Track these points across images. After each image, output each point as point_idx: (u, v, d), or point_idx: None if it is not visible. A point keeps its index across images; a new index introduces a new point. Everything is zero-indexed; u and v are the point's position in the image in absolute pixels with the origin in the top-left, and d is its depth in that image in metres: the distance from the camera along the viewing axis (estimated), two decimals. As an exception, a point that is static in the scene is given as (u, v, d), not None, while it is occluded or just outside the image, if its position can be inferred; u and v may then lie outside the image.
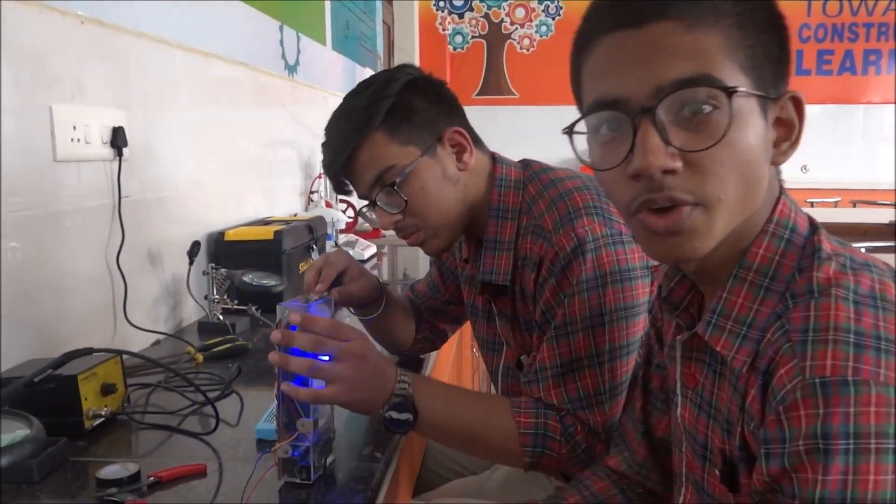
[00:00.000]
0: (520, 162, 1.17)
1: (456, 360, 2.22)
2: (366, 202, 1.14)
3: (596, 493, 0.90)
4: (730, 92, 0.60)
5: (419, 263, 2.67)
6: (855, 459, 0.53)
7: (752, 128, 0.62)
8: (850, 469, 0.53)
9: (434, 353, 1.48)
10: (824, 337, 0.57)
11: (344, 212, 2.71)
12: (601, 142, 0.67)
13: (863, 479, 0.53)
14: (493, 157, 1.16)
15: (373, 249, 2.60)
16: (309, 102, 2.75)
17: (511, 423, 1.01)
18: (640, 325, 1.01)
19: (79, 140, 1.26)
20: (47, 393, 0.99)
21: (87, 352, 1.00)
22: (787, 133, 0.66)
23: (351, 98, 1.11)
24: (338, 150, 1.09)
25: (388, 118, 1.06)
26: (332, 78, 3.09)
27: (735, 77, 0.61)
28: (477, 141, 1.15)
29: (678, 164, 0.61)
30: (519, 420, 1.01)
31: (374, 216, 1.15)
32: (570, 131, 0.69)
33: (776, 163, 0.67)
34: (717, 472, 0.70)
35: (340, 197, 2.81)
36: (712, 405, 0.72)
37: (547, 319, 1.04)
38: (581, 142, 0.70)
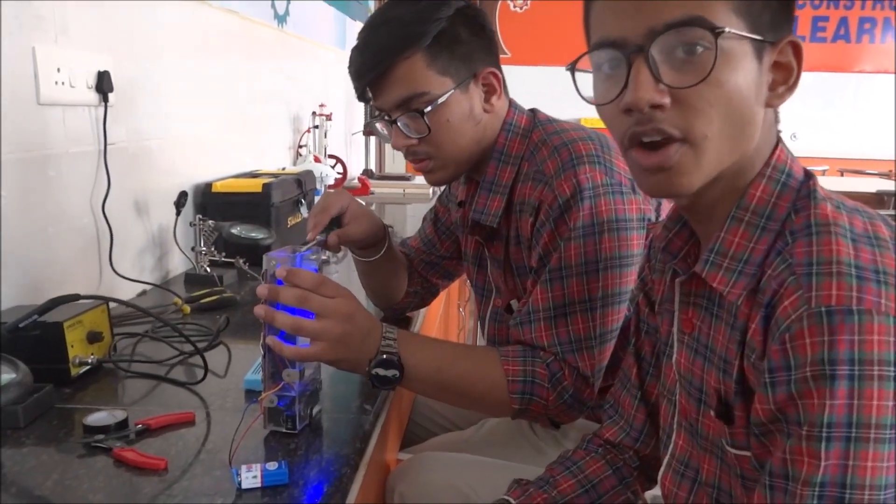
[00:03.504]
0: (529, 110, 1.16)
1: (443, 319, 2.23)
2: (380, 116, 1.10)
3: (590, 476, 0.90)
4: (717, 33, 0.62)
5: (406, 221, 2.66)
6: (859, 385, 0.56)
7: (742, 70, 0.64)
8: (855, 393, 0.56)
9: (422, 312, 1.48)
10: (828, 269, 0.59)
11: (333, 167, 2.68)
12: (602, 79, 0.70)
13: (867, 403, 0.55)
14: (510, 102, 1.16)
15: (361, 206, 2.58)
16: (298, 54, 2.70)
17: (499, 372, 1.01)
18: (633, 275, 1.02)
19: (63, 83, 1.23)
20: (33, 339, 0.99)
21: (74, 298, 0.99)
22: (784, 77, 0.68)
23: (396, 7, 1.06)
24: (374, 61, 1.04)
25: (433, 43, 1.03)
26: (321, 30, 3.02)
27: (727, 19, 0.63)
28: (505, 86, 1.14)
29: (666, 100, 0.64)
30: (507, 368, 1.02)
31: (384, 131, 1.13)
32: (572, 68, 0.72)
33: (771, 105, 0.69)
34: (711, 412, 0.72)
35: (330, 152, 2.78)
36: (708, 347, 0.74)
37: (543, 264, 1.04)
38: (585, 84, 0.72)
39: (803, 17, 5.59)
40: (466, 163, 1.12)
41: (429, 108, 1.04)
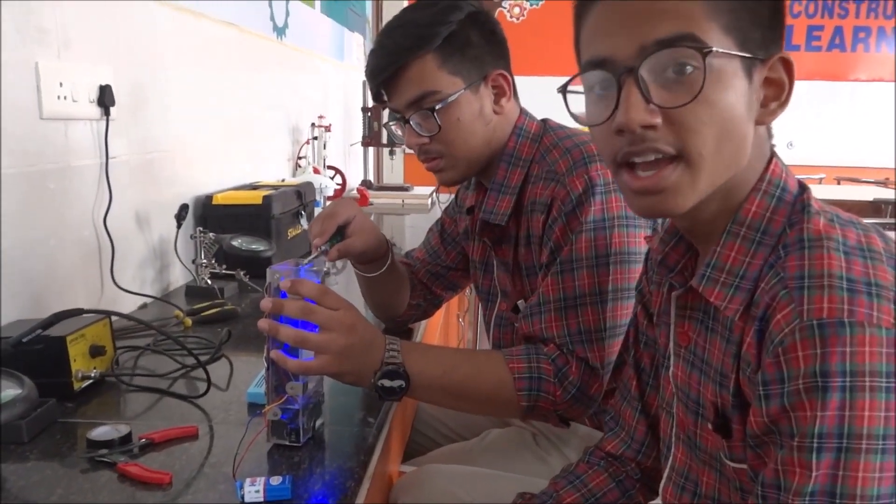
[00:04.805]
0: (541, 120, 1.20)
1: (443, 329, 2.23)
2: (395, 116, 1.15)
3: (593, 490, 0.91)
4: (705, 52, 0.63)
5: (405, 232, 2.67)
6: (851, 396, 0.56)
7: (733, 88, 0.65)
8: (847, 405, 0.56)
9: (423, 324, 1.48)
10: (819, 283, 0.60)
11: (332, 178, 2.69)
12: (593, 100, 0.70)
13: (858, 414, 0.56)
14: (521, 110, 1.19)
15: (361, 217, 2.58)
16: (297, 66, 2.71)
17: (504, 371, 1.02)
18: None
19: (65, 97, 1.24)
20: (35, 354, 0.98)
21: (77, 312, 0.99)
22: (776, 93, 0.69)
23: (411, 12, 1.12)
24: (387, 61, 1.10)
25: (444, 45, 1.08)
26: (320, 41, 3.04)
27: (717, 38, 0.64)
28: (515, 90, 1.17)
29: (657, 121, 0.64)
30: (512, 366, 1.02)
31: (398, 131, 1.17)
32: (563, 90, 0.72)
33: (763, 122, 0.69)
34: (709, 425, 0.73)
35: (329, 163, 2.79)
36: (704, 360, 0.74)
37: (554, 258, 1.06)
38: (578, 103, 0.73)
39: (798, 26, 5.61)
40: (476, 163, 1.15)
41: (439, 106, 1.08)
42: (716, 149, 0.65)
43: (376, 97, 1.15)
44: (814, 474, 0.57)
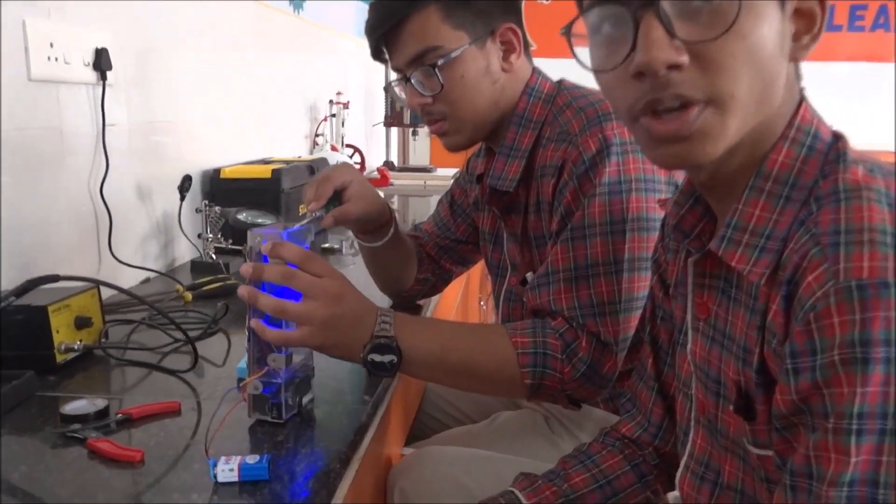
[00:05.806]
0: (556, 80, 1.12)
1: (461, 312, 2.15)
2: (397, 76, 1.09)
3: (605, 471, 0.83)
4: None
5: (430, 213, 2.59)
6: None
7: (767, 18, 0.57)
8: (892, 379, 0.48)
9: (434, 301, 1.40)
10: (859, 238, 0.51)
11: (350, 157, 2.63)
12: (601, 42, 0.61)
13: None
14: (533, 69, 1.11)
15: (380, 197, 2.52)
16: (314, 41, 2.65)
17: (508, 346, 0.94)
18: None
19: (57, 59, 1.18)
20: (16, 324, 0.94)
21: (53, 279, 0.93)
22: (807, 25, 0.60)
23: None
24: (387, 14, 1.03)
25: None
26: (340, 17, 2.97)
27: None
28: (527, 46, 1.10)
29: (684, 59, 0.56)
30: (516, 341, 0.94)
31: (402, 93, 1.11)
32: (568, 31, 0.62)
33: (796, 58, 0.61)
34: (730, 407, 0.65)
35: (347, 142, 2.73)
36: (726, 334, 0.66)
37: (565, 224, 0.98)
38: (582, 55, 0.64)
39: (840, 6, 5.40)
40: (484, 125, 1.08)
41: (441, 62, 1.01)
42: (749, 89, 0.57)
43: (376, 54, 1.08)
44: (853, 461, 0.49)
